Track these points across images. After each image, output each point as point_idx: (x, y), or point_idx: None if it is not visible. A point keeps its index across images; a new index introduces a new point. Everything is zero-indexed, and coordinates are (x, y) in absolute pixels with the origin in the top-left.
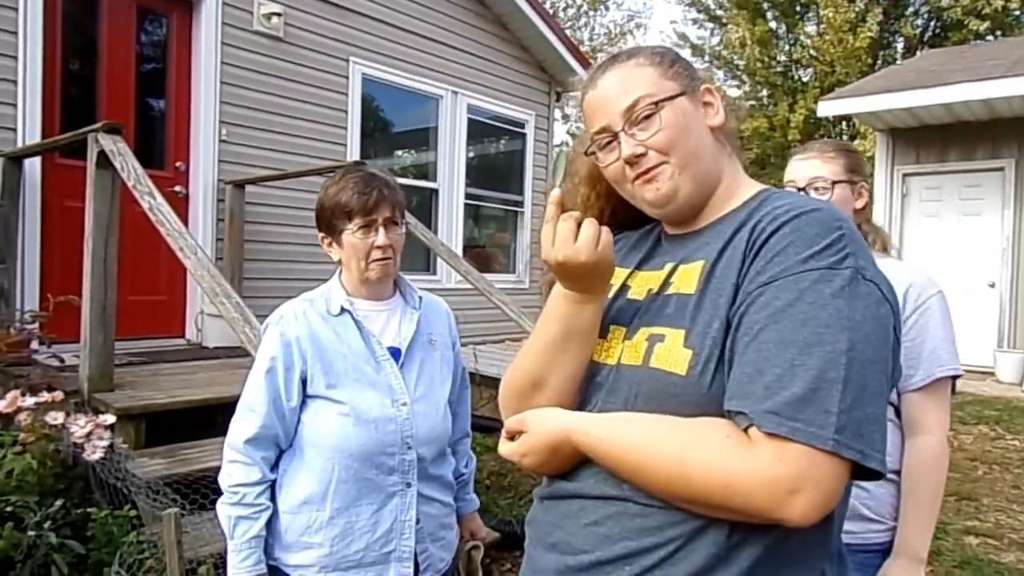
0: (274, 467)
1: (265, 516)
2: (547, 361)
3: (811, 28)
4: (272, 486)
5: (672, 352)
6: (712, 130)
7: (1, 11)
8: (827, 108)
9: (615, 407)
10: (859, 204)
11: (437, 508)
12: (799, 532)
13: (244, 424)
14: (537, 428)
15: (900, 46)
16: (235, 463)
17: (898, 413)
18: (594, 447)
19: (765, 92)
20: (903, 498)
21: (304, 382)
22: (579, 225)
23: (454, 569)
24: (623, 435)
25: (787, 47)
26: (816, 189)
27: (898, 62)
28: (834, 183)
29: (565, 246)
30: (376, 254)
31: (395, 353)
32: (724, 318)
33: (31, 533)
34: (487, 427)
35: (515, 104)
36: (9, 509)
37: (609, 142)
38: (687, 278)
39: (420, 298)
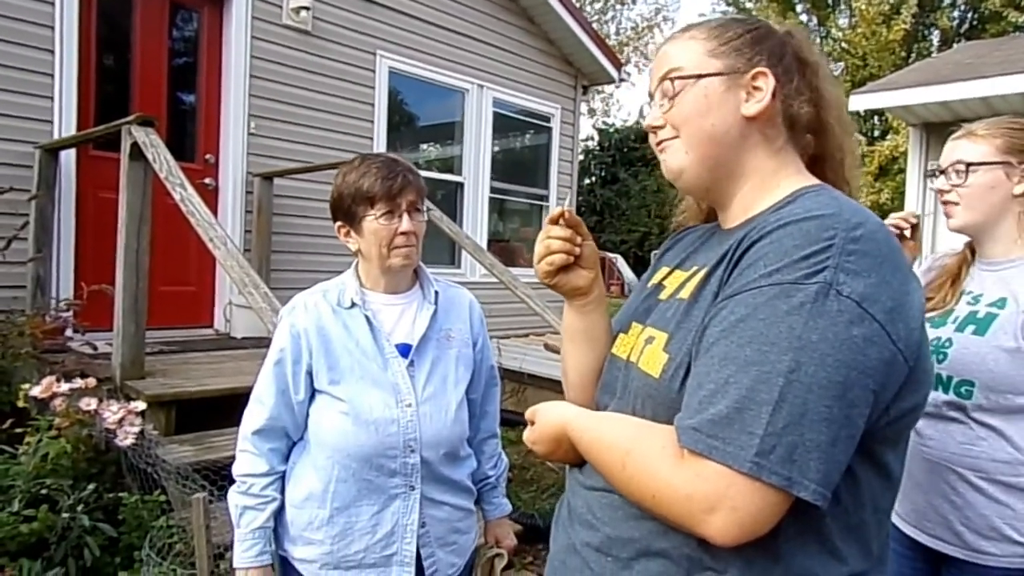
0: (286, 458)
1: (271, 508)
2: (565, 356)
3: (843, 21)
4: (282, 478)
5: (654, 354)
6: (747, 118)
7: (38, 5)
8: (858, 102)
9: (627, 401)
10: (1018, 190)
11: (447, 512)
12: (784, 541)
13: (253, 415)
14: (543, 419)
15: (936, 39)
16: (244, 453)
17: None
18: (578, 441)
19: None
20: None
21: (311, 375)
22: (550, 251)
23: (467, 574)
24: (596, 433)
25: (818, 40)
26: (956, 172)
27: (933, 55)
28: (969, 165)
29: (537, 263)
30: (400, 240)
31: (405, 350)
32: (698, 328)
33: (65, 515)
34: (510, 421)
35: (541, 98)
36: (44, 492)
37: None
38: (692, 283)
39: (436, 292)
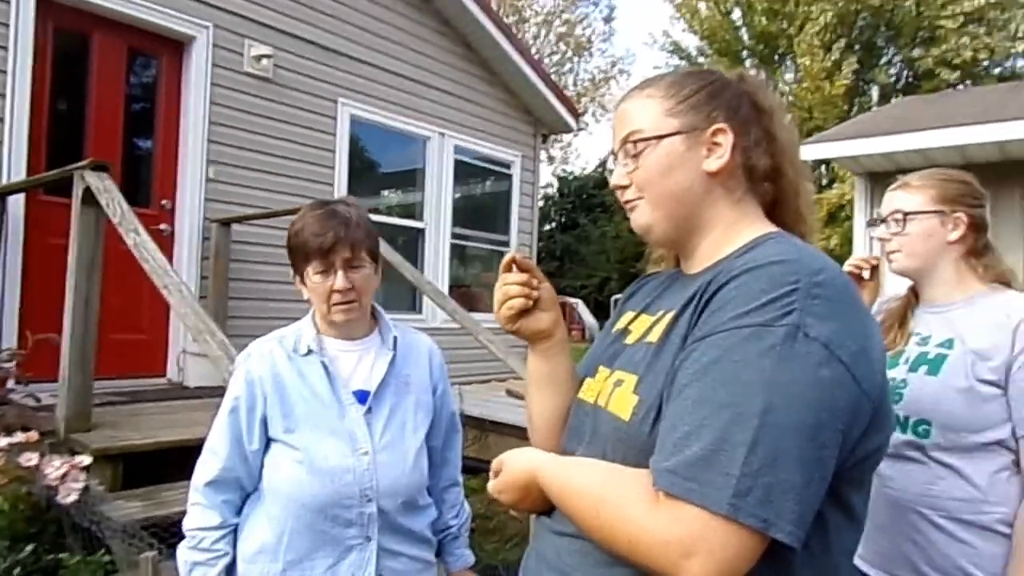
0: (239, 511)
1: (223, 563)
2: (531, 401)
3: (789, 76)
4: (234, 531)
5: (623, 397)
6: (709, 174)
7: None
8: (807, 152)
9: (597, 446)
10: (952, 236)
11: (404, 563)
12: None
13: (205, 466)
14: (510, 467)
15: (875, 93)
16: (196, 505)
17: (1018, 463)
18: (548, 488)
19: None
20: (1013, 555)
21: (265, 424)
22: (508, 297)
23: None
24: (567, 479)
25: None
26: (896, 222)
27: (873, 108)
28: (906, 215)
29: (497, 310)
30: (336, 297)
31: (363, 396)
32: (667, 371)
33: None
34: (472, 468)
35: (501, 145)
36: None
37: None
38: (660, 327)
39: (395, 338)
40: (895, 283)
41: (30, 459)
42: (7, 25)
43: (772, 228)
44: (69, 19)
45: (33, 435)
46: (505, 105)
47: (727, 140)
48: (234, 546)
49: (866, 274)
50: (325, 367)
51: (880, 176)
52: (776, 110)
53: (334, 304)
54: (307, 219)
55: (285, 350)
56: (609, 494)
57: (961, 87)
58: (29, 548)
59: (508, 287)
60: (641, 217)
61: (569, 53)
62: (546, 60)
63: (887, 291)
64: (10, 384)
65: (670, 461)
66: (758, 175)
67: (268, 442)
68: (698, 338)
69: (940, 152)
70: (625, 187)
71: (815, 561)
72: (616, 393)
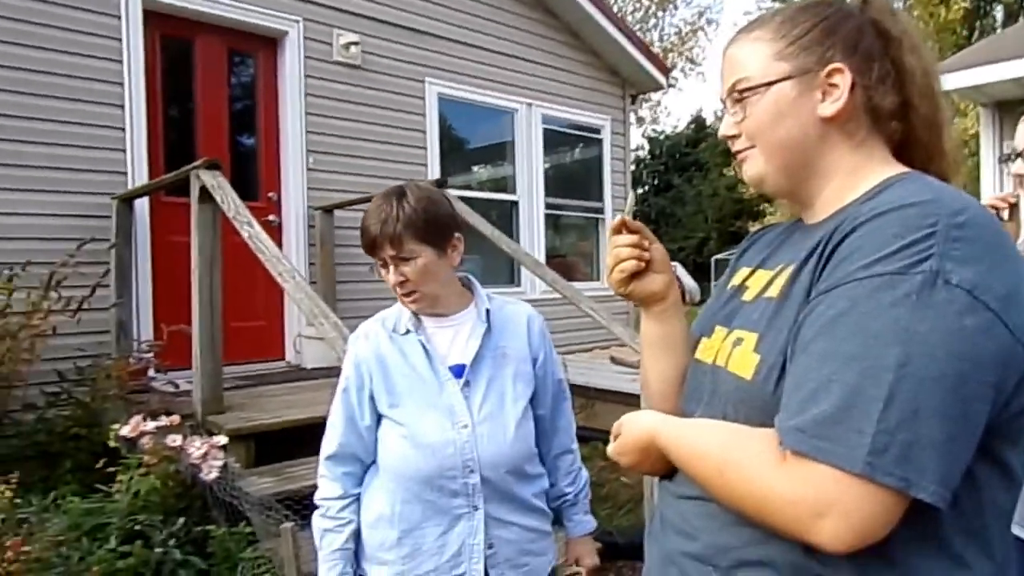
0: (360, 481)
1: (349, 529)
2: (646, 366)
3: (897, 4)
4: (358, 500)
5: (744, 356)
6: (825, 119)
7: (107, 64)
8: None
9: (717, 406)
10: None
11: (516, 532)
12: (901, 548)
13: (326, 442)
14: (629, 430)
15: (999, 14)
16: (322, 478)
17: None
18: (669, 450)
19: None
20: None
21: (373, 401)
22: (620, 260)
23: None
24: (689, 440)
25: None
26: None
27: (998, 31)
28: None
29: (609, 274)
30: (397, 290)
31: (460, 371)
32: (791, 327)
33: (158, 550)
34: (581, 436)
35: (590, 111)
36: (138, 528)
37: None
38: (779, 282)
39: (488, 311)
40: None
41: (175, 440)
42: (119, 40)
43: (901, 169)
44: (173, 27)
45: (175, 418)
46: (591, 68)
47: (844, 81)
48: (359, 514)
49: (1004, 214)
50: (423, 345)
51: (1010, 105)
52: (907, 36)
53: (400, 295)
54: (365, 215)
55: (387, 331)
56: (732, 454)
57: None
58: (180, 521)
59: (619, 249)
60: (753, 168)
61: (652, 8)
62: (629, 17)
63: None
64: (151, 372)
65: (797, 419)
66: (884, 114)
67: (379, 418)
68: (823, 290)
69: None
70: (735, 137)
71: (965, 521)
72: (736, 352)
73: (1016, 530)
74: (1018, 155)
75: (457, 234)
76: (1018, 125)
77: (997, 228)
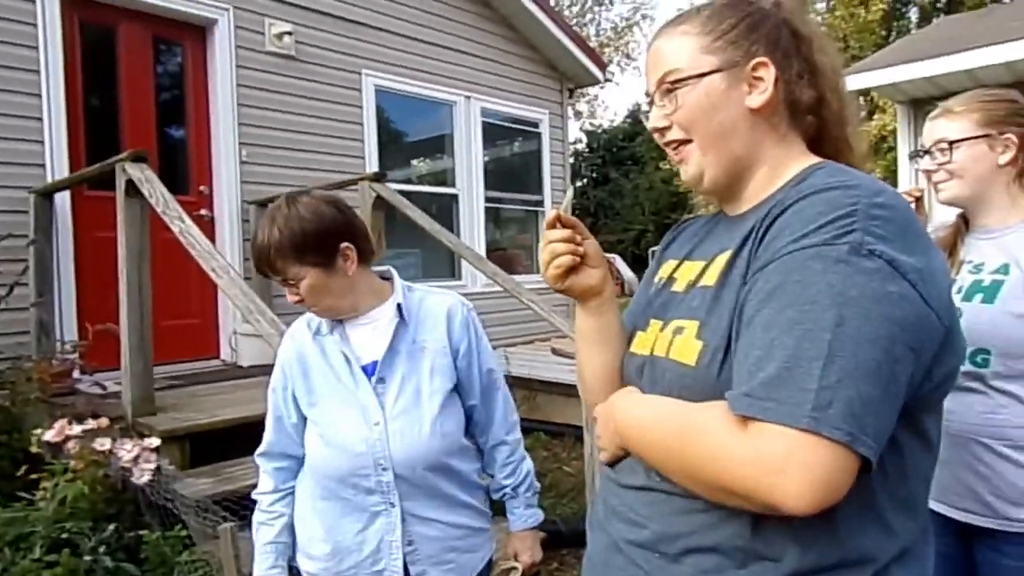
0: (295, 476)
1: (280, 523)
2: (581, 359)
3: (820, 4)
4: (292, 494)
5: (687, 344)
6: (752, 110)
7: (22, 51)
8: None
9: (657, 395)
10: (1003, 159)
11: (439, 529)
12: (841, 520)
13: (263, 438)
14: (599, 415)
15: (914, 16)
16: (260, 472)
17: None
18: (622, 423)
19: None
20: None
21: (296, 400)
22: (555, 255)
23: None
24: (644, 411)
25: None
26: (941, 151)
27: (913, 32)
28: (952, 143)
29: (544, 270)
30: (302, 306)
31: (372, 368)
32: (732, 310)
33: (87, 558)
34: (523, 428)
35: (528, 104)
36: (65, 536)
37: (651, 105)
38: (714, 270)
39: (400, 305)
40: (942, 211)
41: (103, 444)
42: (34, 25)
43: (818, 160)
44: (94, 13)
45: (104, 421)
46: (529, 62)
47: (769, 75)
48: (292, 507)
49: (912, 206)
50: (341, 343)
51: (924, 102)
52: (816, 36)
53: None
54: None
55: (311, 331)
56: (688, 423)
57: (1007, 0)
58: (111, 527)
59: (554, 245)
60: (692, 167)
61: (589, 3)
62: (566, 12)
63: (935, 219)
64: (76, 374)
65: (744, 386)
66: (801, 108)
67: (305, 417)
68: (758, 267)
69: (988, 71)
70: (665, 129)
71: (891, 486)
72: (678, 340)
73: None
74: (925, 152)
75: (345, 243)
76: (926, 123)
77: (910, 211)
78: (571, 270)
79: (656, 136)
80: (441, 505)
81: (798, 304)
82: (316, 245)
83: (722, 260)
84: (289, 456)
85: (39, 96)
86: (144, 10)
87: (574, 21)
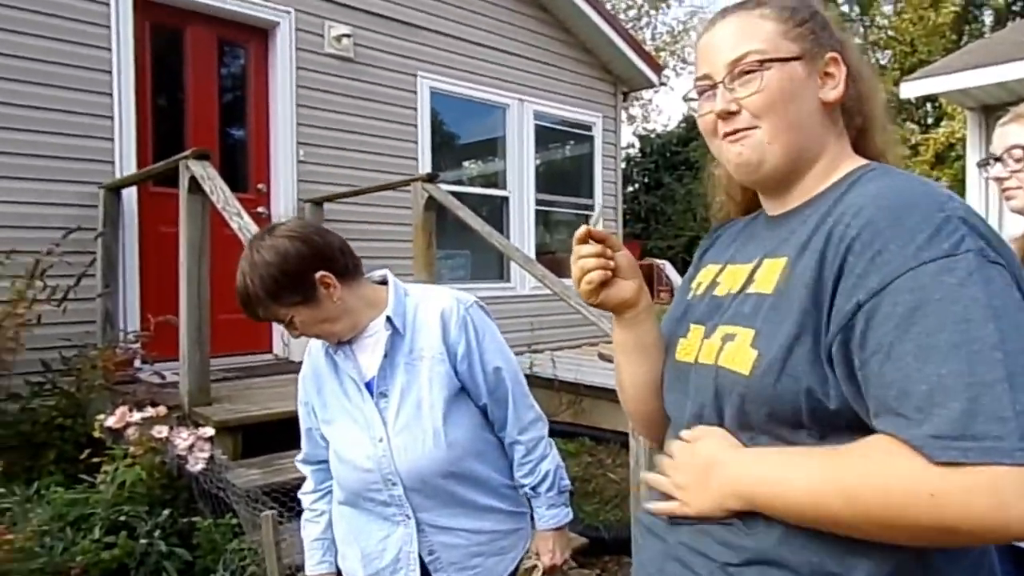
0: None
1: (324, 520)
2: (619, 369)
3: (887, 8)
4: (331, 492)
5: (740, 352)
6: (824, 104)
7: (97, 51)
8: (910, 89)
9: (707, 403)
10: None
11: (462, 537)
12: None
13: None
14: (690, 467)
15: (988, 19)
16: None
17: None
18: (767, 499)
19: None
20: None
21: (315, 414)
22: (585, 271)
23: None
24: (787, 486)
25: (862, 30)
26: (1013, 159)
27: (986, 36)
28: None
29: (576, 286)
30: (303, 338)
31: (371, 384)
32: (796, 321)
33: (143, 541)
34: (568, 432)
35: (581, 107)
36: (123, 519)
37: (708, 91)
38: (768, 275)
39: (388, 318)
40: (1013, 221)
41: (161, 431)
42: (108, 27)
43: (863, 161)
44: (164, 15)
45: (162, 409)
46: (584, 66)
47: (840, 71)
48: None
49: None
50: (349, 359)
51: (995, 109)
52: (849, 41)
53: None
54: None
55: (324, 347)
56: (854, 483)
57: None
58: (166, 513)
59: (584, 260)
60: (749, 150)
61: (645, 6)
62: (622, 16)
63: (1007, 229)
64: (137, 363)
65: (925, 427)
66: (852, 108)
67: None
68: (875, 290)
69: None
70: (733, 114)
71: None
72: (729, 348)
73: None
74: (996, 159)
75: (320, 272)
76: (996, 129)
77: (980, 215)
78: (604, 284)
79: (720, 124)
80: (461, 512)
81: (950, 325)
82: (290, 285)
83: (777, 266)
84: (323, 460)
85: (110, 95)
86: (211, 13)
87: (630, 25)
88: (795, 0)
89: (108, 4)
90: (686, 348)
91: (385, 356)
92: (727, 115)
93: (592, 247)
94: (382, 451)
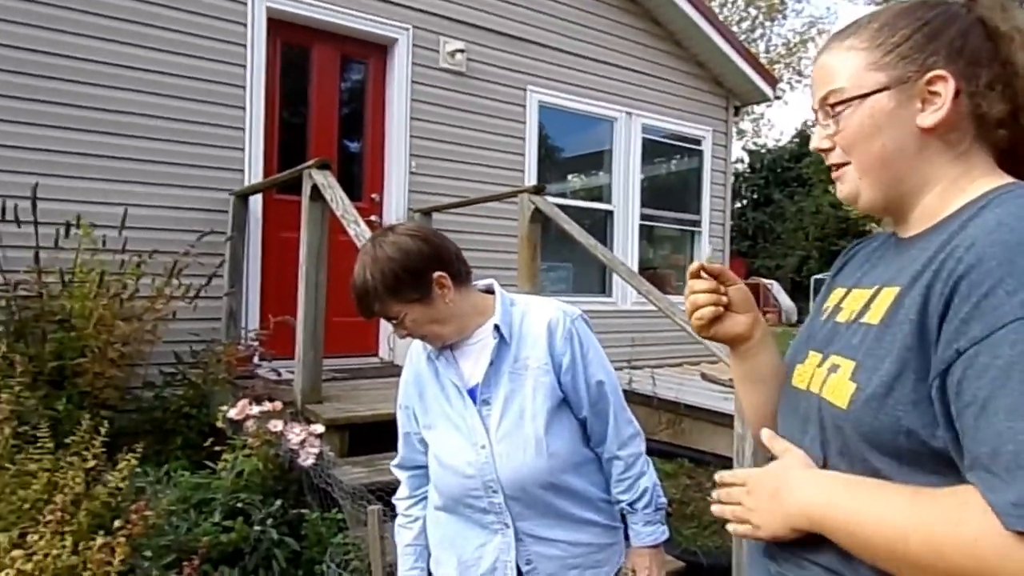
0: (428, 481)
1: (417, 526)
2: (740, 396)
3: None
4: (426, 499)
5: (840, 384)
6: (924, 130)
7: (233, 68)
8: None
9: (813, 433)
10: None
11: (560, 548)
12: None
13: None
14: (765, 490)
15: None
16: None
17: None
18: (812, 514)
19: None
20: None
21: (416, 419)
22: (697, 306)
23: None
24: (846, 505)
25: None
26: None
27: None
28: None
29: (689, 320)
30: (408, 339)
31: (475, 391)
32: (898, 358)
33: (257, 528)
34: (667, 452)
35: (691, 121)
36: (239, 505)
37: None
38: (880, 305)
39: (497, 326)
40: None
41: (276, 425)
42: (244, 46)
43: (1005, 179)
44: (293, 34)
45: (277, 405)
46: (694, 79)
47: (947, 89)
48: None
49: None
50: (450, 366)
51: None
52: (1019, 31)
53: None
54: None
55: (426, 352)
56: (939, 534)
57: None
58: (278, 503)
59: (696, 296)
60: (846, 186)
61: (760, 18)
62: (735, 28)
63: None
64: (256, 360)
65: (1009, 493)
66: (991, 122)
67: None
68: (977, 339)
69: None
70: (828, 150)
71: None
72: (832, 379)
73: None
74: None
75: (438, 272)
76: None
77: None
78: (716, 318)
79: (823, 156)
80: (558, 524)
81: None
82: (409, 281)
83: (889, 296)
84: (419, 466)
85: (243, 109)
86: (336, 31)
87: (743, 37)
88: (901, 14)
89: (245, 24)
90: (801, 375)
91: (491, 364)
92: (823, 151)
93: (705, 282)
94: (484, 458)
